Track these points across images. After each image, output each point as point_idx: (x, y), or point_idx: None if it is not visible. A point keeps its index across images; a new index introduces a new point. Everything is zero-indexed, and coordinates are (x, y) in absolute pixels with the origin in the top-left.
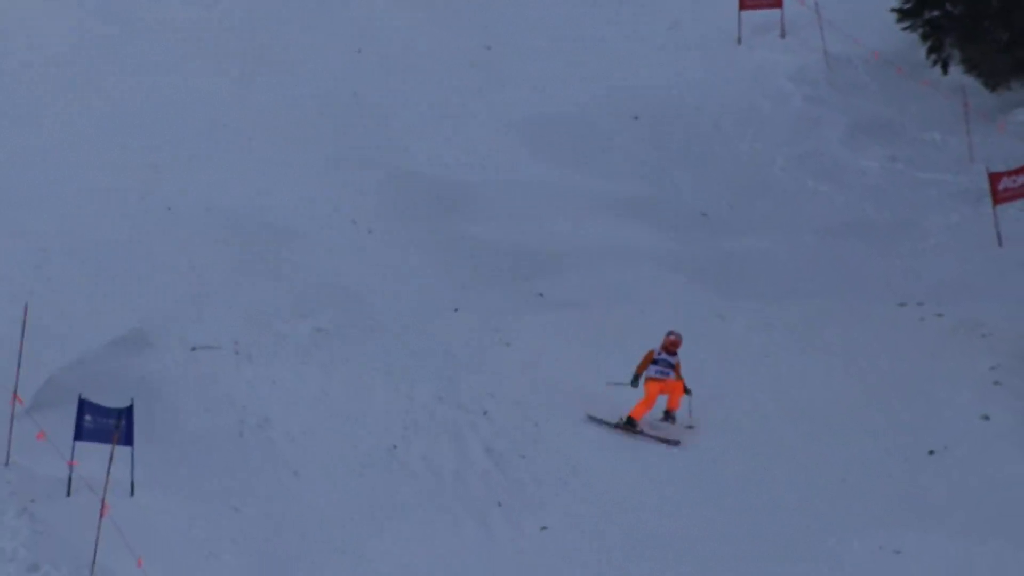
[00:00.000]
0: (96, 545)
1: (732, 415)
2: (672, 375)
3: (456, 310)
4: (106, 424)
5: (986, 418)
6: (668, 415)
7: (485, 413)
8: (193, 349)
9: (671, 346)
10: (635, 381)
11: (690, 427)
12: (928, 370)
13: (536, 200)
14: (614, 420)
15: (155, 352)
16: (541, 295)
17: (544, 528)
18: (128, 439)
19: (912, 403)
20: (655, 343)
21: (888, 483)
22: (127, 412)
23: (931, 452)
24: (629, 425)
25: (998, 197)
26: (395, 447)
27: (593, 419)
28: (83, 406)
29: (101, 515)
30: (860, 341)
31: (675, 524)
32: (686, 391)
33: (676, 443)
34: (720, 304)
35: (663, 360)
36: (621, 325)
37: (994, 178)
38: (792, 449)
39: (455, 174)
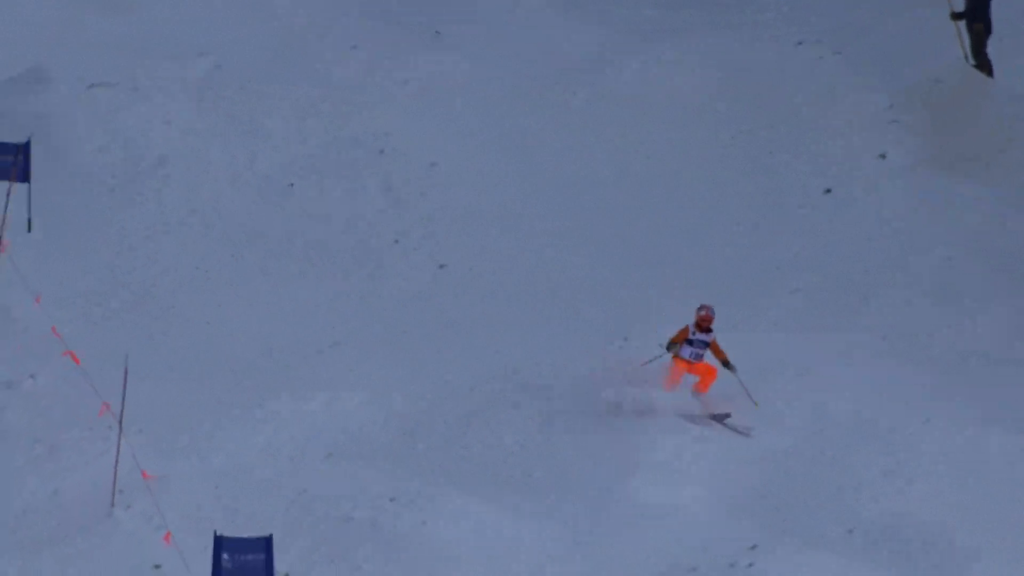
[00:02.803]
0: None
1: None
2: (704, 359)
3: (354, 47)
4: (3, 161)
5: (883, 156)
6: (695, 397)
7: (382, 152)
8: (90, 87)
9: (703, 322)
10: (670, 347)
11: (740, 430)
12: (825, 109)
13: None
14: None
15: (52, 89)
16: (438, 33)
17: (443, 266)
18: (25, 176)
19: (810, 142)
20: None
21: (786, 223)
22: (24, 148)
23: (827, 191)
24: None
25: None
26: (292, 185)
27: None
28: None
29: None
30: (757, 79)
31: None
32: (728, 367)
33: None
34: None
35: (698, 341)
36: (520, 68)
37: None
38: (684, 187)
39: None
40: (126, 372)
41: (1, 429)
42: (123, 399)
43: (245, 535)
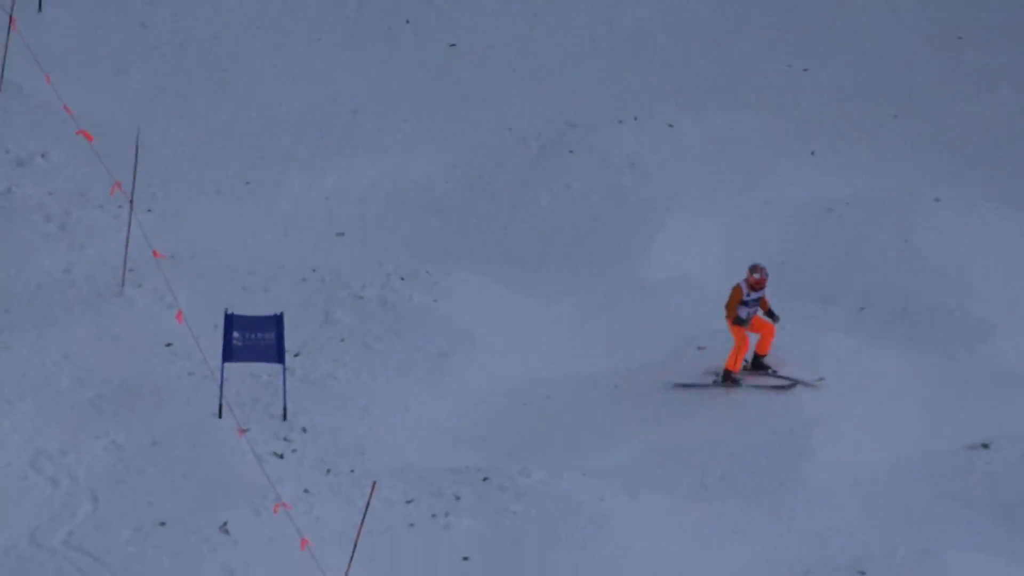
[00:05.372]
0: (4, 60)
1: None
2: (760, 312)
3: None
4: None
5: None
6: (761, 363)
7: None
8: None
9: (757, 285)
10: (735, 319)
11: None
12: None
13: None
14: (708, 380)
15: None
16: None
17: (453, 45)
18: None
19: None
20: None
21: None
22: None
23: None
24: (728, 379)
25: None
26: None
27: (683, 385)
28: None
29: (9, 30)
30: None
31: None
32: (772, 316)
33: (793, 384)
34: None
35: (752, 300)
36: None
37: None
38: None
39: None
40: (137, 150)
41: (13, 206)
42: (134, 177)
43: (256, 313)
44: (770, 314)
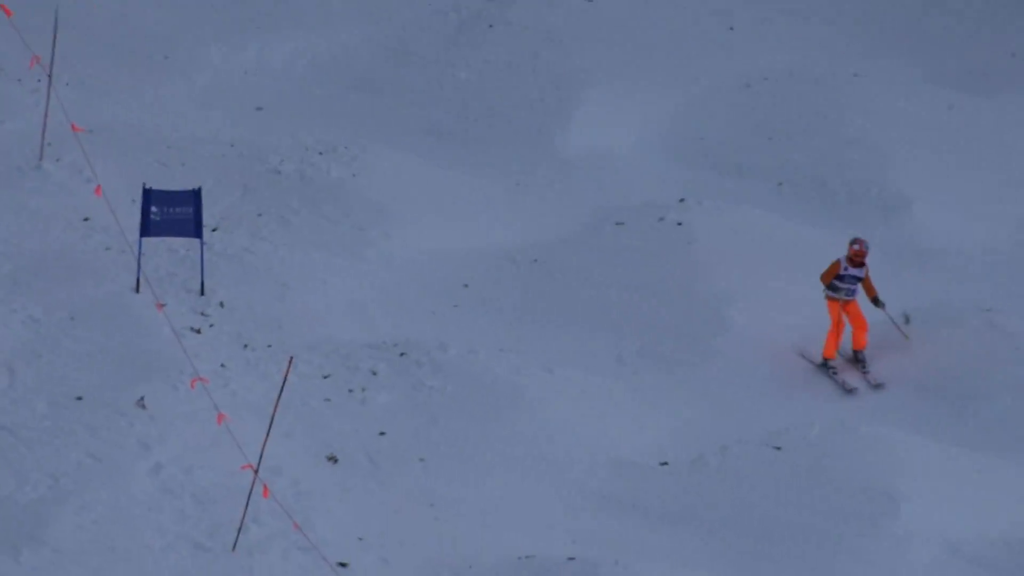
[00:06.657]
0: None
1: None
2: (857, 295)
3: None
4: None
5: None
6: (857, 357)
7: None
8: None
9: (856, 257)
10: (831, 287)
11: (879, 385)
12: None
13: None
14: (801, 360)
15: None
16: None
17: None
18: None
19: None
20: None
21: None
22: None
23: None
24: (823, 367)
25: None
26: None
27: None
28: None
29: None
30: None
31: None
32: (877, 303)
33: (880, 386)
34: None
35: (849, 276)
36: None
37: None
38: None
39: None
40: (56, 23)
41: None
42: (53, 51)
43: (174, 188)
44: (875, 301)
